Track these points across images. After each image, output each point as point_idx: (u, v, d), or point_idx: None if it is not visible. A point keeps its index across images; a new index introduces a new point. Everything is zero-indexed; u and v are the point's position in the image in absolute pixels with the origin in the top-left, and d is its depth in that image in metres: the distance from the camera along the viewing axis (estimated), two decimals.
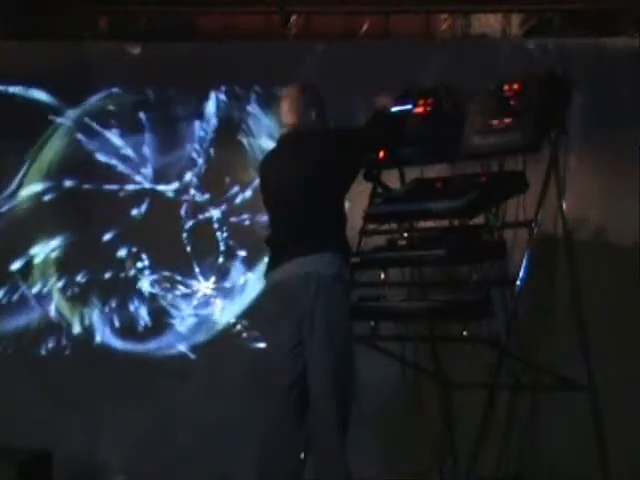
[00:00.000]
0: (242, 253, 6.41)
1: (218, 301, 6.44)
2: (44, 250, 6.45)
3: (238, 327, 6.39)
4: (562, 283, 5.38)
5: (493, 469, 5.49)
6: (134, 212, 6.45)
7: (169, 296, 6.44)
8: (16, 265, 6.44)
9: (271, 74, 6.21)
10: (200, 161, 6.47)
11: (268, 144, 6.00)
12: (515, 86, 5.01)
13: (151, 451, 6.27)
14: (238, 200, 6.43)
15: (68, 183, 6.45)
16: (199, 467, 6.18)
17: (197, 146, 6.46)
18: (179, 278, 6.43)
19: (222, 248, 6.44)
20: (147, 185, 6.48)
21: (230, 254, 6.42)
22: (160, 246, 6.43)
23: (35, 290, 6.44)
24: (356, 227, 5.22)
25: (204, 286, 6.44)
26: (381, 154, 5.18)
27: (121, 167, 6.48)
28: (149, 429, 6.28)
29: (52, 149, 6.48)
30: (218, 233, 6.44)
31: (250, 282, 6.36)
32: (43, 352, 6.39)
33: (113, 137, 6.48)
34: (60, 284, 6.44)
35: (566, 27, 6.63)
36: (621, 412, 5.63)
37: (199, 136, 6.46)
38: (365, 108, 5.49)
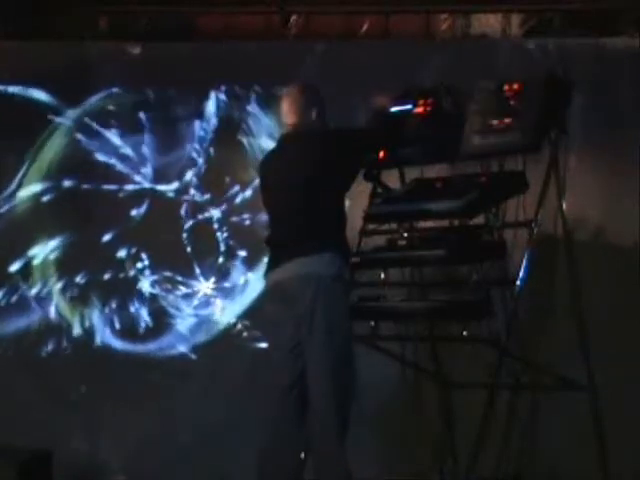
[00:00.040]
0: (242, 253, 6.41)
1: (218, 301, 6.44)
2: (44, 251, 6.44)
3: (238, 327, 6.39)
4: (562, 283, 5.38)
5: (493, 469, 5.49)
6: (134, 212, 6.45)
7: (169, 296, 6.44)
8: (16, 266, 6.43)
9: (271, 74, 6.21)
10: (200, 161, 6.47)
11: (268, 144, 6.00)
12: (515, 86, 5.01)
13: (151, 451, 6.27)
14: (238, 200, 6.42)
15: (68, 183, 6.45)
16: (199, 467, 6.18)
17: (197, 146, 6.46)
18: (179, 278, 6.43)
19: (222, 248, 6.43)
20: (147, 185, 6.48)
21: (230, 254, 6.42)
22: (160, 246, 6.43)
23: (35, 291, 6.44)
24: (356, 227, 5.22)
25: (204, 286, 6.44)
26: (381, 154, 5.18)
27: (121, 167, 6.48)
28: (149, 429, 6.27)
29: (52, 149, 6.48)
30: (218, 233, 6.44)
31: (250, 282, 6.36)
32: (43, 352, 6.39)
33: (113, 137, 6.48)
34: (60, 285, 6.44)
35: (566, 27, 6.63)
36: (621, 412, 5.63)
37: (199, 136, 6.46)
38: (365, 108, 5.49)
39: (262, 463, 4.67)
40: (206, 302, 6.45)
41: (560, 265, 5.40)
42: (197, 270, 6.43)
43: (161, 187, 6.48)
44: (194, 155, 6.47)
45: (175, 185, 6.47)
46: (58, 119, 6.48)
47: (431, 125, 5.15)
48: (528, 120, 4.90)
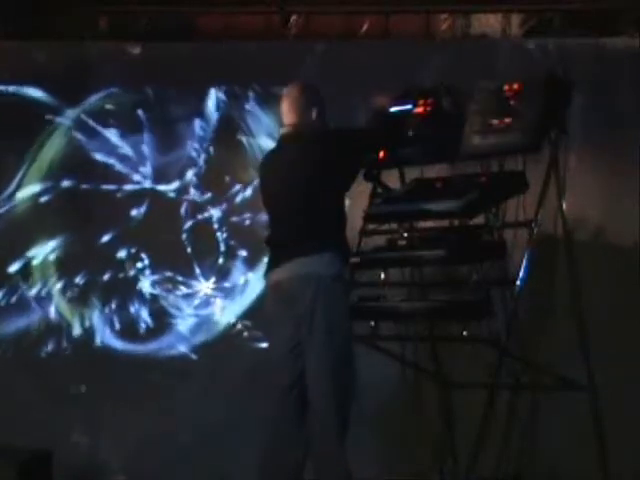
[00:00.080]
0: (243, 253, 6.41)
1: (219, 301, 6.44)
2: (45, 251, 6.44)
3: (239, 327, 6.39)
4: (562, 283, 5.38)
5: (493, 469, 5.49)
6: (134, 212, 6.45)
7: (170, 297, 6.43)
8: (17, 266, 6.43)
9: (271, 74, 6.21)
10: (200, 161, 6.47)
11: (268, 144, 6.00)
12: (515, 86, 5.01)
13: (151, 451, 6.27)
14: (239, 200, 6.42)
15: (68, 183, 6.45)
16: (199, 467, 6.18)
17: (197, 146, 6.46)
18: (180, 278, 6.43)
19: (222, 248, 6.43)
20: (147, 185, 6.48)
21: (231, 254, 6.42)
22: (160, 246, 6.43)
23: (36, 291, 6.43)
24: (356, 227, 5.22)
25: (205, 286, 6.44)
26: (381, 154, 5.18)
27: (121, 167, 6.47)
28: (149, 429, 6.27)
29: (52, 149, 6.48)
30: (218, 233, 6.44)
31: (251, 282, 6.36)
32: (43, 352, 6.39)
33: (113, 137, 6.47)
34: (60, 285, 6.44)
35: (566, 27, 6.63)
36: (621, 412, 5.63)
37: (199, 136, 6.46)
38: (365, 108, 5.49)
39: (262, 463, 4.67)
40: (206, 302, 6.45)
41: (560, 265, 5.40)
42: (197, 270, 6.43)
43: (161, 187, 6.48)
44: (194, 155, 6.47)
45: (175, 185, 6.47)
46: (58, 119, 6.48)
47: (431, 125, 5.15)
48: (528, 120, 4.90)
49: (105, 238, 6.42)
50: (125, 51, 6.54)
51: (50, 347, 6.40)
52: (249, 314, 6.35)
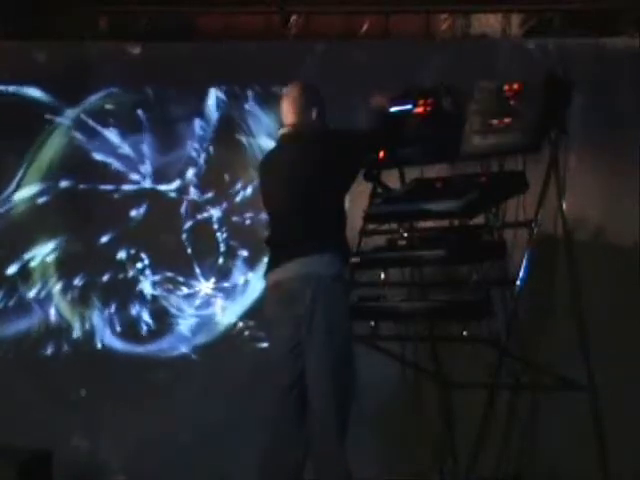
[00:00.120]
0: (243, 253, 6.41)
1: (219, 301, 6.44)
2: (44, 252, 6.44)
3: (239, 327, 6.39)
4: (562, 283, 5.38)
5: (493, 469, 5.49)
6: (135, 212, 6.45)
7: (170, 297, 6.43)
8: (18, 267, 6.43)
9: (271, 74, 6.21)
10: (200, 161, 6.47)
11: (268, 143, 6.00)
12: (515, 86, 5.01)
13: (151, 451, 6.27)
14: (239, 199, 6.42)
15: (69, 183, 6.45)
16: (199, 467, 6.18)
17: (197, 146, 6.46)
18: (180, 279, 6.43)
19: (223, 248, 6.43)
20: (148, 185, 6.48)
21: (231, 254, 6.42)
22: (161, 247, 6.43)
23: (36, 292, 6.43)
24: (356, 227, 5.22)
25: (205, 286, 6.44)
26: (381, 154, 5.18)
27: (122, 167, 6.47)
28: (149, 429, 6.27)
29: (52, 149, 6.48)
30: (218, 233, 6.44)
31: (252, 282, 6.36)
32: (44, 353, 6.39)
33: (113, 137, 6.47)
34: (61, 286, 6.43)
35: (566, 27, 6.63)
36: (621, 412, 5.63)
37: (199, 136, 6.46)
38: (365, 108, 5.48)
39: (262, 463, 4.67)
40: (207, 302, 6.44)
41: (560, 265, 5.40)
42: (198, 270, 6.42)
43: (161, 187, 6.48)
44: (194, 155, 6.47)
45: (175, 185, 6.47)
46: (58, 119, 6.48)
47: (431, 125, 5.15)
48: (528, 120, 4.90)
49: (106, 238, 6.42)
50: (125, 51, 6.53)
51: (50, 347, 6.40)
52: (250, 314, 6.34)
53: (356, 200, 5.32)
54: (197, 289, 6.44)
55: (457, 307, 4.95)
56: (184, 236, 6.42)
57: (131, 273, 6.44)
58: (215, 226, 6.44)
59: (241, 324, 6.38)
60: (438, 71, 6.08)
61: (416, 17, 7.07)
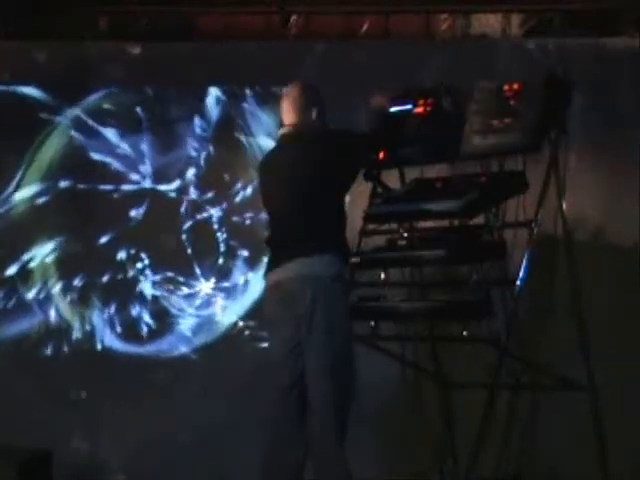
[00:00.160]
0: (244, 253, 6.40)
1: (220, 301, 6.43)
2: (44, 252, 6.44)
3: (240, 327, 6.39)
4: (562, 283, 5.38)
5: (493, 469, 5.49)
6: (135, 212, 6.44)
7: (171, 297, 6.43)
8: (20, 267, 6.43)
9: (271, 74, 6.21)
10: (200, 161, 6.46)
11: (268, 143, 6.00)
12: (515, 86, 5.01)
13: (151, 451, 6.27)
14: (239, 199, 6.42)
15: (69, 184, 6.44)
16: (199, 467, 6.17)
17: (197, 145, 6.46)
18: (181, 279, 6.43)
19: (223, 248, 6.43)
20: (148, 185, 6.48)
21: (231, 254, 6.42)
22: (161, 247, 6.42)
23: (36, 293, 6.43)
24: (356, 227, 5.22)
25: (206, 286, 6.44)
26: (381, 154, 5.18)
27: (122, 167, 6.47)
28: (149, 429, 6.27)
29: (51, 149, 6.48)
30: (219, 233, 6.44)
31: (252, 282, 6.35)
32: (44, 353, 6.39)
33: (113, 137, 6.47)
34: (61, 286, 6.43)
35: (566, 27, 6.63)
36: (621, 412, 5.63)
37: (199, 136, 6.46)
38: (365, 108, 5.49)
39: (262, 463, 4.66)
40: (207, 302, 6.44)
41: (560, 265, 5.40)
42: (198, 270, 6.42)
43: (162, 187, 6.48)
44: (194, 155, 6.46)
45: (175, 185, 6.47)
46: (58, 119, 6.47)
47: (431, 125, 5.15)
48: (528, 120, 4.91)
49: (106, 239, 6.42)
50: (125, 51, 6.53)
51: (51, 348, 6.40)
52: (250, 314, 6.34)
53: (356, 200, 5.32)
54: (197, 289, 6.44)
55: (457, 307, 4.95)
56: (184, 236, 6.42)
57: (131, 273, 6.44)
58: (215, 226, 6.44)
59: (241, 324, 6.38)
60: (438, 71, 6.08)
61: (416, 17, 7.07)
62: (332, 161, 4.66)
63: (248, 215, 6.37)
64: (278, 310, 4.64)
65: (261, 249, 5.34)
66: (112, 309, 6.42)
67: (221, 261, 6.42)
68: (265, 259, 4.88)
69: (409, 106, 5.22)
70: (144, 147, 6.47)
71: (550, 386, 5.45)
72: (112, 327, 6.42)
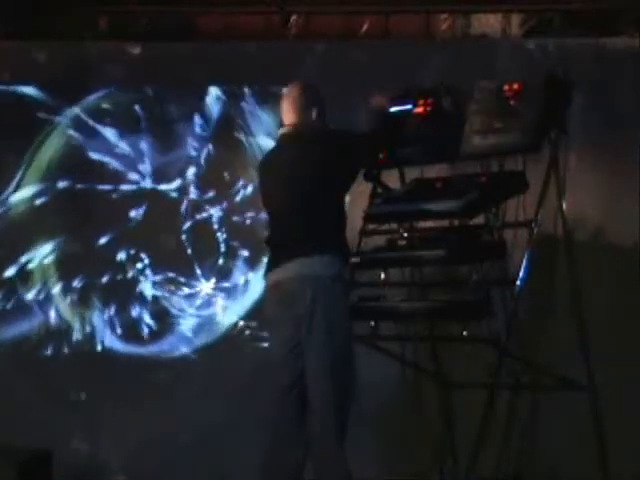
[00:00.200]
0: (244, 253, 6.40)
1: (220, 301, 6.43)
2: (44, 253, 6.43)
3: (240, 327, 6.38)
4: (562, 283, 5.38)
5: (493, 469, 5.49)
6: (136, 213, 6.44)
7: (171, 297, 6.43)
8: (19, 268, 6.43)
9: (271, 74, 6.21)
10: (200, 160, 6.46)
11: (268, 143, 6.00)
12: (515, 86, 5.01)
13: (151, 451, 6.27)
14: (239, 199, 6.42)
15: (69, 184, 6.44)
16: (199, 467, 6.17)
17: (197, 145, 6.46)
18: (181, 279, 6.43)
19: (223, 248, 6.43)
20: (148, 185, 6.47)
21: (232, 254, 6.42)
22: (162, 247, 6.42)
23: (37, 293, 6.42)
24: (356, 227, 5.22)
25: (206, 287, 6.44)
26: (381, 154, 5.18)
27: (122, 167, 6.47)
28: (149, 429, 6.27)
29: (51, 149, 6.47)
30: (219, 233, 6.43)
31: (253, 282, 6.35)
32: (45, 353, 6.39)
33: (113, 137, 6.47)
34: (61, 287, 6.43)
35: (566, 27, 6.63)
36: (621, 412, 5.63)
37: (199, 135, 6.46)
38: (365, 108, 5.49)
39: (262, 463, 4.66)
40: (208, 302, 6.44)
41: (560, 265, 5.40)
42: (198, 271, 6.42)
43: (162, 187, 6.47)
44: (194, 154, 6.46)
45: (175, 185, 6.47)
46: (58, 119, 6.47)
47: (431, 125, 5.15)
48: (528, 120, 4.90)
49: (106, 239, 6.41)
50: (125, 51, 6.53)
51: (51, 348, 6.39)
52: (251, 314, 6.34)
53: (356, 200, 5.32)
54: (198, 289, 6.44)
55: (457, 307, 4.95)
56: (184, 236, 6.42)
57: (131, 274, 6.44)
58: (215, 226, 6.44)
59: (242, 324, 6.38)
60: (438, 71, 6.08)
61: (416, 17, 7.07)
62: (332, 161, 4.66)
63: (248, 215, 6.37)
64: (278, 310, 4.64)
65: (261, 249, 5.33)
66: (112, 310, 6.41)
67: (221, 261, 6.42)
68: (265, 259, 4.88)
69: (409, 106, 5.22)
70: (144, 147, 6.47)
71: (550, 386, 5.45)
72: (112, 328, 6.41)
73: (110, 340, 6.41)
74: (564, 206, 5.15)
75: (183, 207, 6.46)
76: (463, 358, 5.43)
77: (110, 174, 6.46)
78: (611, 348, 5.74)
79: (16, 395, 6.29)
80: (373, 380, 5.54)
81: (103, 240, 6.41)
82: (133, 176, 6.47)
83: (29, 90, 6.44)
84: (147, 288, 6.43)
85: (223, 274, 6.43)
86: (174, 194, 6.47)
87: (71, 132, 6.47)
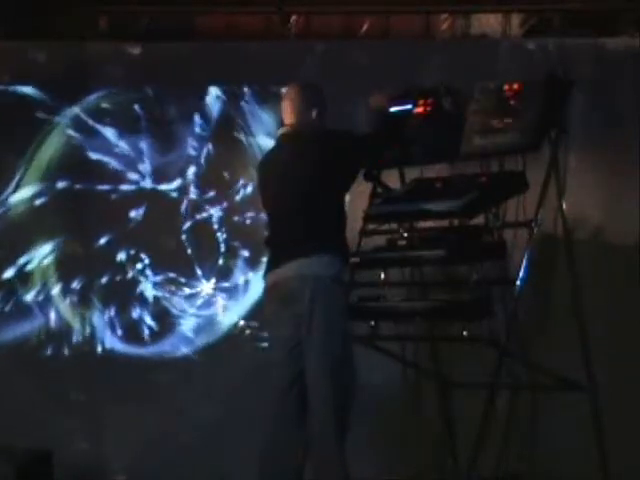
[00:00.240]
0: (245, 253, 6.40)
1: (221, 301, 6.43)
2: (45, 254, 6.43)
3: (240, 327, 6.38)
4: (562, 283, 5.38)
5: (493, 469, 5.49)
6: (136, 213, 6.44)
7: (172, 298, 6.43)
8: (19, 268, 6.42)
9: (271, 74, 6.21)
10: (200, 160, 6.46)
11: (267, 143, 5.99)
12: (515, 86, 5.01)
13: (152, 451, 6.27)
14: (240, 199, 6.42)
15: (70, 184, 6.44)
16: (199, 467, 6.17)
17: (197, 145, 6.46)
18: (182, 279, 6.42)
19: (224, 248, 6.43)
20: (148, 185, 6.47)
21: (232, 254, 6.42)
22: (162, 247, 6.42)
23: (37, 294, 6.42)
24: (356, 227, 5.21)
25: (207, 287, 6.43)
26: (381, 154, 5.18)
27: (122, 167, 6.47)
28: (150, 429, 6.26)
29: (51, 150, 6.47)
30: (219, 233, 6.43)
31: (253, 282, 6.35)
32: (45, 354, 6.39)
33: (113, 137, 6.47)
34: (62, 288, 6.42)
35: (566, 27, 6.63)
36: (621, 412, 5.63)
37: (199, 135, 6.46)
38: (365, 108, 5.49)
39: (262, 463, 4.66)
40: (209, 302, 6.44)
41: (560, 265, 5.40)
42: (199, 271, 6.42)
43: (162, 187, 6.47)
44: (194, 154, 6.46)
45: (176, 185, 6.46)
46: (57, 119, 6.46)
47: (431, 125, 5.15)
48: (528, 120, 4.91)
49: (106, 239, 6.41)
50: (125, 51, 6.53)
51: (52, 348, 6.39)
52: (252, 314, 6.34)
53: (356, 200, 5.32)
54: (198, 289, 6.44)
55: (457, 307, 4.95)
56: (184, 236, 6.42)
57: (132, 274, 6.43)
58: (215, 226, 6.44)
59: (242, 324, 6.38)
60: (438, 71, 6.08)
61: (416, 17, 7.07)
62: (331, 161, 4.66)
63: (248, 215, 6.37)
64: (278, 310, 4.64)
65: (262, 249, 5.33)
66: (113, 311, 6.41)
67: (222, 261, 6.42)
68: (265, 259, 4.88)
69: (409, 106, 5.22)
70: (144, 147, 6.46)
71: (550, 386, 5.45)
72: (113, 329, 6.41)
73: (111, 341, 6.40)
74: (564, 206, 5.15)
75: (183, 207, 6.45)
76: (463, 358, 5.43)
77: (110, 174, 6.45)
78: (611, 348, 5.74)
79: (17, 395, 6.29)
80: (373, 380, 5.54)
81: (103, 240, 6.41)
82: (133, 176, 6.46)
83: (29, 90, 6.44)
84: (148, 289, 6.43)
85: (223, 274, 6.42)
86: (174, 194, 6.47)
87: (71, 132, 6.47)
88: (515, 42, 6.64)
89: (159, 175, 6.47)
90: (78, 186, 6.43)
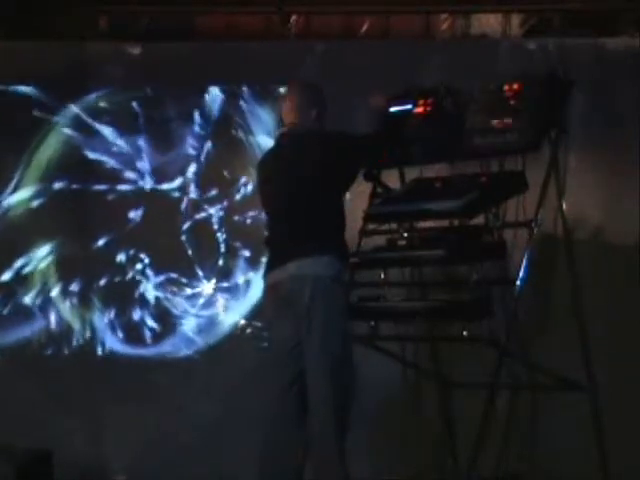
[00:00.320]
0: (246, 252, 6.40)
1: (222, 301, 6.43)
2: (45, 255, 6.43)
3: (243, 327, 6.38)
4: (562, 283, 5.38)
5: (493, 469, 5.49)
6: (136, 213, 6.44)
7: (173, 298, 6.42)
8: (18, 270, 6.42)
9: (271, 74, 6.21)
10: (200, 160, 6.46)
11: (267, 142, 5.99)
12: (515, 86, 5.01)
13: (152, 451, 6.27)
14: (240, 199, 6.42)
15: (69, 184, 6.44)
16: (199, 467, 6.17)
17: (198, 145, 6.46)
18: (183, 280, 6.42)
19: (224, 248, 6.43)
20: (149, 185, 6.47)
21: (233, 254, 6.41)
22: (163, 248, 6.42)
23: (38, 295, 6.41)
24: (356, 227, 5.21)
25: (208, 287, 6.43)
26: (381, 154, 5.18)
27: (122, 168, 6.47)
28: (150, 429, 6.26)
29: (50, 150, 6.47)
30: (219, 233, 6.43)
31: (254, 281, 6.35)
32: (46, 354, 6.39)
33: (112, 137, 6.47)
34: (63, 289, 6.42)
35: (566, 27, 6.63)
36: (621, 412, 5.63)
37: (199, 135, 6.46)
38: (365, 108, 5.49)
39: (262, 463, 4.66)
40: (209, 302, 6.44)
41: (560, 265, 5.40)
42: (199, 271, 6.41)
43: (162, 187, 6.47)
44: (194, 154, 6.46)
45: (176, 184, 6.46)
46: (57, 119, 6.47)
47: (431, 125, 5.15)
48: (528, 120, 4.90)
49: (107, 240, 6.41)
50: (125, 51, 6.53)
51: (53, 349, 6.39)
52: (252, 314, 6.34)
53: (356, 200, 5.32)
54: (199, 290, 6.43)
55: (457, 307, 4.95)
56: (185, 236, 6.42)
57: (132, 275, 6.43)
58: (216, 226, 6.44)
59: (244, 323, 6.38)
60: (438, 71, 6.08)
61: (416, 17, 7.08)
62: (331, 161, 4.66)
63: (249, 214, 6.37)
64: (278, 310, 4.64)
65: (262, 249, 5.32)
66: (114, 312, 6.41)
67: (222, 261, 6.42)
68: (265, 259, 4.88)
69: (409, 106, 5.22)
70: (144, 147, 6.46)
71: (550, 386, 5.45)
72: (114, 330, 6.41)
73: (113, 342, 6.40)
74: (564, 206, 5.15)
75: (183, 207, 6.45)
76: (463, 358, 5.43)
77: (110, 174, 6.45)
78: (611, 348, 5.74)
79: (18, 395, 6.29)
80: (373, 380, 5.53)
81: (103, 241, 6.41)
82: (133, 176, 6.46)
83: (29, 90, 6.43)
84: (148, 289, 6.43)
85: (224, 274, 6.42)
86: (174, 194, 6.47)
87: (70, 132, 6.46)
88: (515, 42, 6.64)
89: (159, 175, 6.47)
90: (78, 186, 6.43)
